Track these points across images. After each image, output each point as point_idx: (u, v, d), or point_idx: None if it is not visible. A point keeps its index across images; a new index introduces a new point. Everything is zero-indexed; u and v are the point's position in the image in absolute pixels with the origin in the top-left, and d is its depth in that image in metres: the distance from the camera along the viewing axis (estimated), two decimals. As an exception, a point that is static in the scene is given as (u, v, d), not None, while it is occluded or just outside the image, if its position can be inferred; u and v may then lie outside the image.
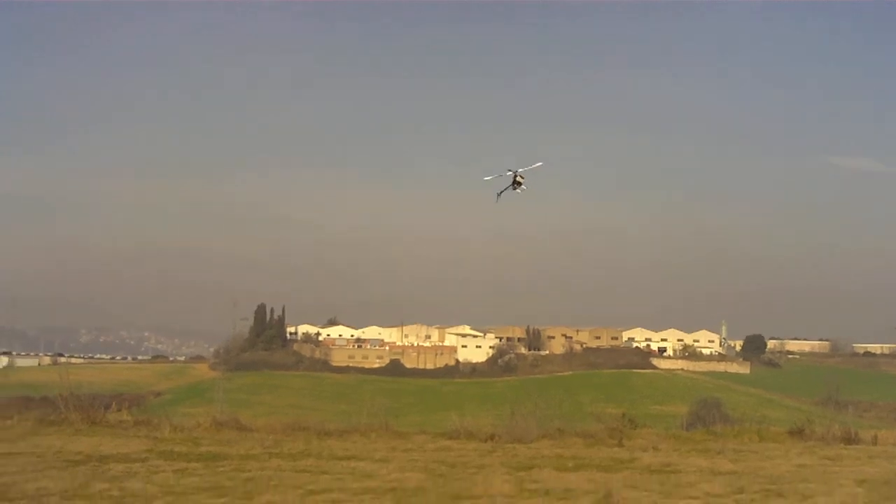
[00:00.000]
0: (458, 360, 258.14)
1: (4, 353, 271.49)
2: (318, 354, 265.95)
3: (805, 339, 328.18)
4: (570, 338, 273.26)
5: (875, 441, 52.07)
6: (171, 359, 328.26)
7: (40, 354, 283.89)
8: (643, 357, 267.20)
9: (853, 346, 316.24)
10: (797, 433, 53.36)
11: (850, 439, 50.86)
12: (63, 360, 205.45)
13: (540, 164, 52.86)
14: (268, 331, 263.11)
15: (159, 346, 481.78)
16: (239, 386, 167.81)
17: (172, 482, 28.47)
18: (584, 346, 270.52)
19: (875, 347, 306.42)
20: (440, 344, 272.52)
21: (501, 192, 30.12)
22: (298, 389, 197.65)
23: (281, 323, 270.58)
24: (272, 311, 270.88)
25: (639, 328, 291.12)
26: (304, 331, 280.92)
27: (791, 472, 35.64)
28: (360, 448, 41.94)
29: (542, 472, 33.48)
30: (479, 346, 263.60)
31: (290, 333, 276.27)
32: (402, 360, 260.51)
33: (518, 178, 36.08)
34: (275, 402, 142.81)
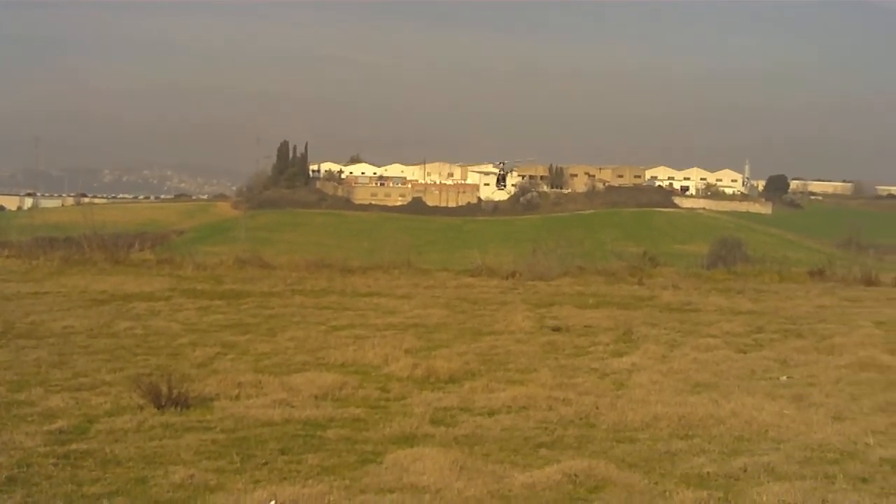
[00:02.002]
0: (480, 199, 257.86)
1: (28, 195, 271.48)
2: (340, 192, 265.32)
3: (828, 181, 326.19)
4: (593, 176, 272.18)
5: (895, 283, 52.11)
6: (193, 197, 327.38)
7: (64, 195, 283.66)
8: (665, 196, 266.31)
9: (877, 188, 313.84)
10: (817, 274, 53.43)
11: (870, 281, 50.92)
12: (86, 200, 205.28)
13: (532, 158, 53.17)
14: (290, 168, 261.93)
15: (182, 185, 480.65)
16: (261, 224, 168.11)
17: (195, 320, 28.69)
18: (607, 184, 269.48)
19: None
20: (462, 182, 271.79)
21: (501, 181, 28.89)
22: (321, 227, 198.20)
23: (304, 160, 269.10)
24: (295, 148, 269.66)
25: (662, 167, 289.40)
26: (327, 168, 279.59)
27: (810, 312, 35.72)
28: (383, 285, 42.16)
29: (562, 309, 33.64)
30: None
31: (313, 171, 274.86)
32: (424, 199, 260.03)
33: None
34: (297, 239, 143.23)
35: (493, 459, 13.44)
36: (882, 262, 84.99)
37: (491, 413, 16.57)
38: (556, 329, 25.63)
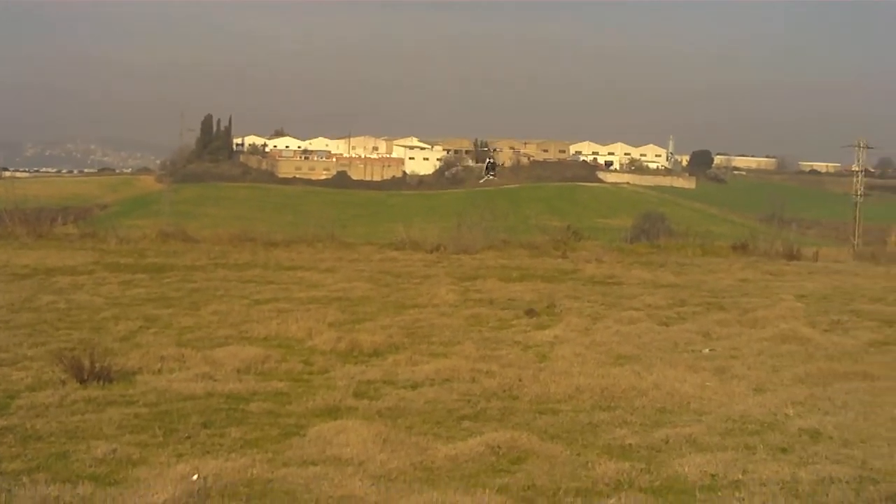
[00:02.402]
0: (405, 172, 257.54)
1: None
2: (264, 166, 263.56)
3: (752, 156, 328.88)
4: (518, 150, 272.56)
5: (816, 257, 53.01)
6: (117, 171, 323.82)
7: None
8: (590, 170, 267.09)
9: (799, 164, 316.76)
10: (740, 248, 54.09)
11: (792, 255, 51.67)
12: (7, 174, 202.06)
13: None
14: (214, 142, 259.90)
15: (106, 159, 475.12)
16: (185, 198, 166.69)
17: (118, 294, 28.47)
18: (532, 158, 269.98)
19: (821, 166, 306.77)
20: (387, 156, 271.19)
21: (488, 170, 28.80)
22: (244, 201, 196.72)
23: (228, 134, 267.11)
24: (219, 122, 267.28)
25: (587, 141, 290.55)
26: (251, 142, 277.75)
27: (733, 286, 36.11)
28: (306, 258, 42.14)
29: (486, 283, 33.75)
30: (427, 159, 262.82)
31: (237, 145, 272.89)
32: (348, 172, 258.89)
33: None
34: (221, 213, 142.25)
35: (416, 432, 13.45)
36: (804, 237, 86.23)
37: (414, 386, 16.59)
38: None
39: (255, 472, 11.26)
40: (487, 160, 43.76)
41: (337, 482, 10.99)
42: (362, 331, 22.03)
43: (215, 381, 16.35)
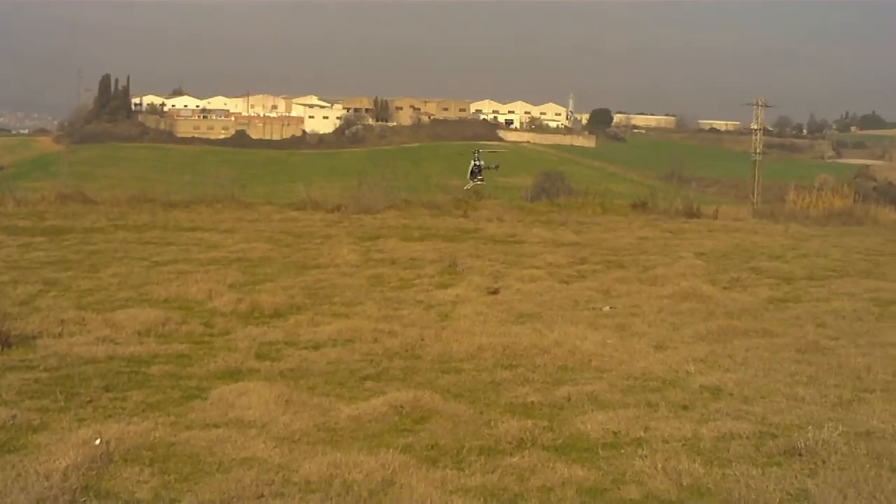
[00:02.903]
0: (304, 131, 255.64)
1: None
2: (163, 126, 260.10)
3: (651, 115, 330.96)
4: (418, 109, 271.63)
5: (716, 215, 53.69)
6: (13, 132, 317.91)
7: None
8: (490, 129, 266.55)
9: (699, 123, 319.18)
10: (640, 207, 54.54)
11: (691, 213, 52.32)
12: None
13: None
14: (112, 102, 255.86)
15: (1, 120, 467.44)
16: (83, 159, 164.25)
17: (17, 257, 28.06)
18: (432, 117, 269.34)
19: (720, 124, 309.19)
20: (287, 115, 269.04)
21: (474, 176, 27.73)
22: (144, 161, 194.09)
23: (126, 94, 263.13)
24: (117, 81, 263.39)
25: (487, 100, 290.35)
26: (149, 101, 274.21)
27: (633, 244, 36.45)
28: (206, 219, 41.83)
29: (387, 242, 33.75)
30: (327, 117, 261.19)
31: (135, 104, 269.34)
32: (248, 131, 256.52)
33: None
34: (119, 174, 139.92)
35: (318, 392, 13.45)
36: (704, 195, 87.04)
37: (316, 346, 16.57)
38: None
39: (157, 435, 11.20)
40: (473, 163, 41.06)
41: (240, 444, 10.97)
42: (263, 292, 21.97)
43: (116, 344, 16.21)
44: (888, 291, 24.54)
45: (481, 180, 27.03)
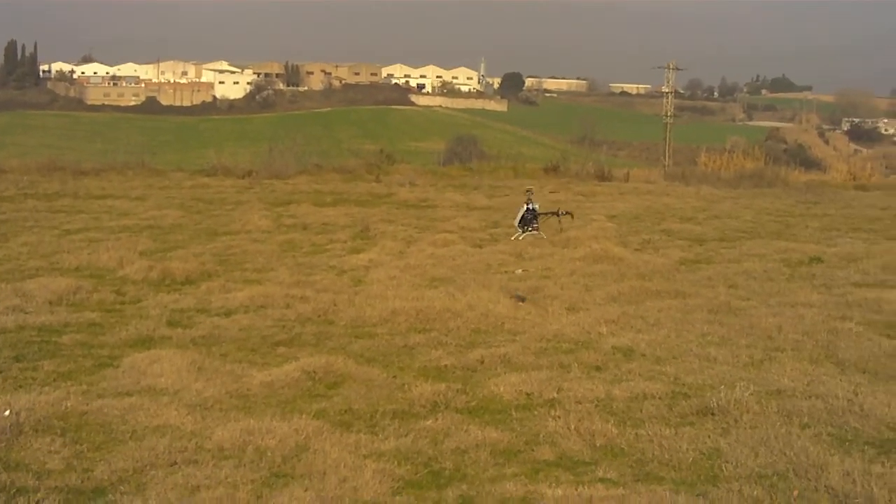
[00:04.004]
0: (215, 97, 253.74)
1: None
2: (72, 93, 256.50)
3: (563, 78, 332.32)
4: (329, 74, 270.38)
5: (627, 178, 54.12)
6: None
7: None
8: (402, 93, 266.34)
9: (610, 86, 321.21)
10: (552, 170, 54.73)
11: (603, 176, 52.67)
12: None
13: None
14: (19, 69, 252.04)
15: None
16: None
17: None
18: (344, 82, 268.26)
19: (631, 87, 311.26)
20: (197, 80, 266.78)
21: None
22: (53, 129, 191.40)
23: (33, 60, 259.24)
24: (24, 48, 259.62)
25: (398, 64, 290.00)
26: (58, 69, 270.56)
27: (545, 207, 36.59)
28: (117, 187, 41.47)
29: (299, 208, 33.69)
30: (237, 83, 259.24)
31: (44, 72, 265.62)
32: (158, 98, 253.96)
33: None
34: (29, 142, 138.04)
35: (231, 359, 13.43)
36: (615, 158, 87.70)
37: (228, 313, 16.53)
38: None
39: (69, 404, 11.12)
40: (525, 206, 39.16)
41: (153, 412, 10.93)
42: (174, 259, 21.85)
43: (26, 313, 16.05)
44: (798, 252, 24.89)
45: (536, 229, 25.01)
